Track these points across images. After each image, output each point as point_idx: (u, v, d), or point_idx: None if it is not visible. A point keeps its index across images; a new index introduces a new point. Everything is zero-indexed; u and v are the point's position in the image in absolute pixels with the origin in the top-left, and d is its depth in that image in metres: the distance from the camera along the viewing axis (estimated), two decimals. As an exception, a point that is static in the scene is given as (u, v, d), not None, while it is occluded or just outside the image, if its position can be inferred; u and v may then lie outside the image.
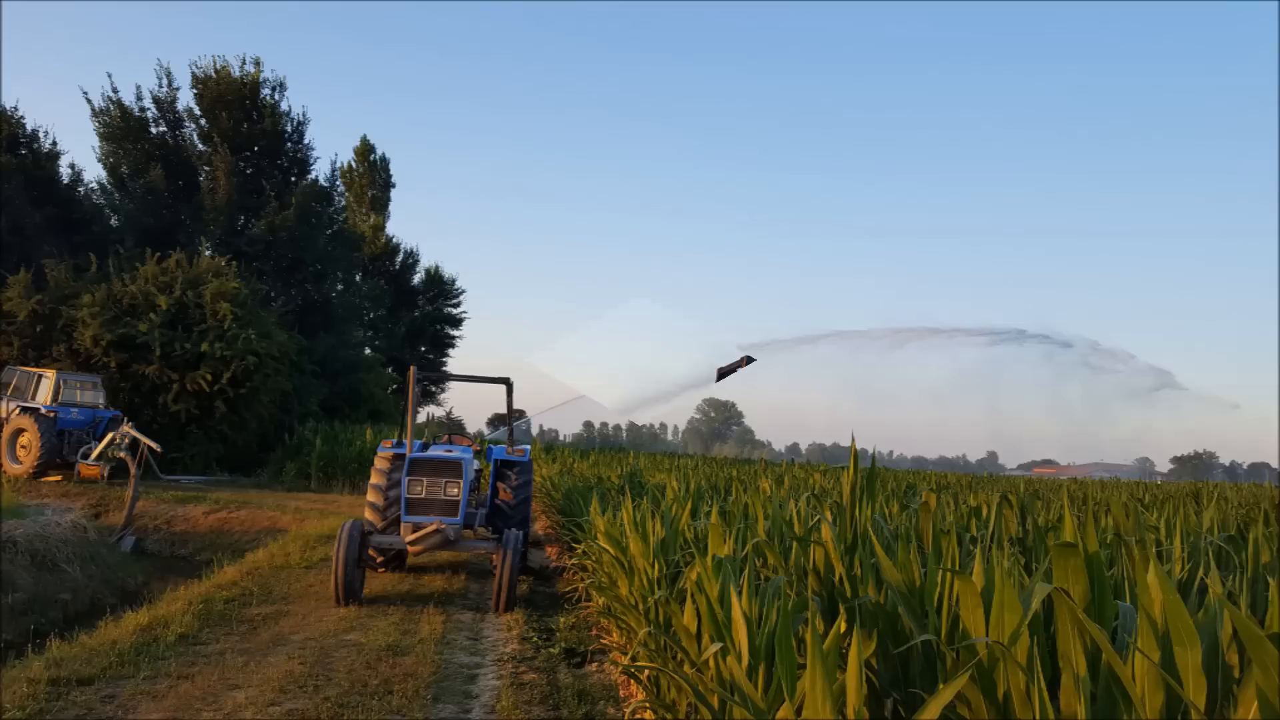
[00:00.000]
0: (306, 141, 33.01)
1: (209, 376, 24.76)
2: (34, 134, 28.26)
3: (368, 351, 39.09)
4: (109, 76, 43.76)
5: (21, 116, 27.97)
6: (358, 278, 37.01)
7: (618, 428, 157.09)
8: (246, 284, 26.06)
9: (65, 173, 28.96)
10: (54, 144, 28.90)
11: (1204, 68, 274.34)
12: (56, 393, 22.07)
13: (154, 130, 30.05)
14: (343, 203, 36.94)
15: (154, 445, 20.93)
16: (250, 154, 30.89)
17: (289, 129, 31.98)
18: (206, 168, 30.63)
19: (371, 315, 37.60)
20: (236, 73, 30.21)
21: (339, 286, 34.14)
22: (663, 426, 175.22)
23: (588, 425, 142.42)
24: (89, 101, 29.39)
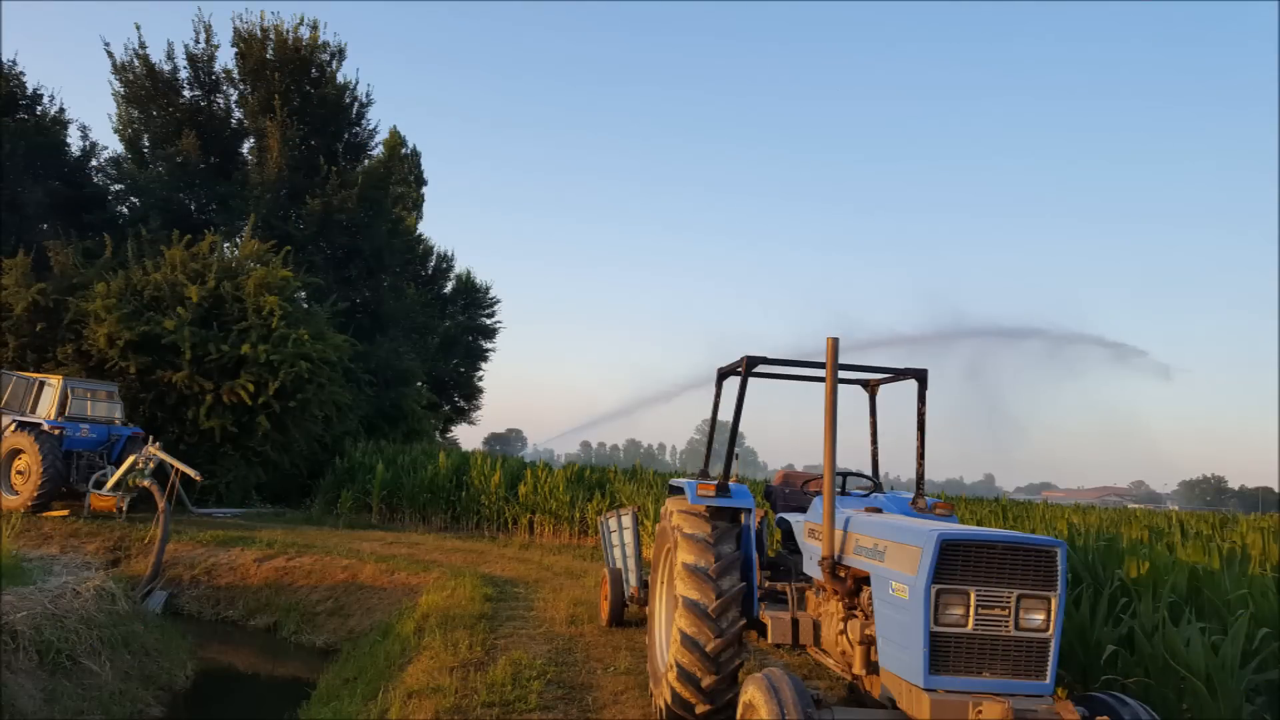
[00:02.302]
0: (369, 123, 29.11)
1: (251, 386, 20.14)
2: (36, 94, 24.03)
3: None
4: (137, 29, 38.04)
5: (21, 72, 23.85)
6: (410, 284, 32.75)
7: (615, 446, 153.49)
8: (298, 274, 21.46)
9: (76, 144, 24.96)
10: (61, 109, 24.75)
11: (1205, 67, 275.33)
12: (63, 404, 17.57)
13: (186, 94, 25.71)
14: (399, 191, 32.69)
15: (193, 473, 16.31)
16: (305, 126, 26.61)
17: (352, 104, 27.86)
18: (250, 140, 26.29)
19: (420, 321, 33.08)
20: (288, 34, 26.07)
21: (385, 284, 29.65)
22: (660, 447, 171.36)
23: (585, 445, 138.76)
24: (110, 54, 25.00)
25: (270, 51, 25.93)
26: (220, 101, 26.82)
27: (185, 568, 15.33)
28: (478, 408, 46.40)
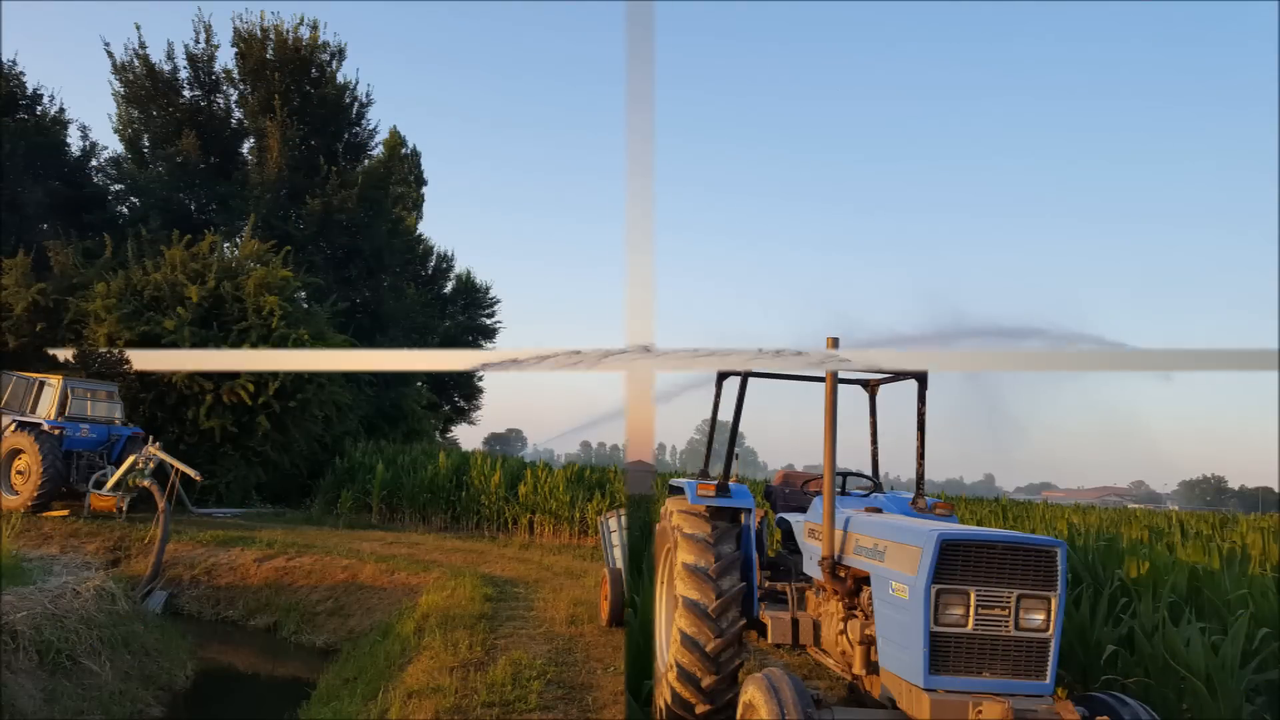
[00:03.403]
0: (369, 123, 29.16)
1: (251, 386, 20.14)
2: (36, 94, 24.02)
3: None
4: (137, 29, 39.03)
5: (21, 72, 23.83)
6: (410, 284, 32.79)
7: (615, 447, 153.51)
8: (298, 274, 21.46)
9: (76, 144, 24.94)
10: (61, 109, 24.74)
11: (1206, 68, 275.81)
12: (63, 405, 17.47)
13: (186, 94, 25.73)
14: (399, 192, 32.75)
15: (193, 473, 16.30)
16: (305, 126, 26.62)
17: (352, 104, 27.93)
18: (250, 140, 26.34)
19: (420, 321, 33.10)
20: (287, 34, 26.11)
21: (385, 284, 29.68)
22: (661, 447, 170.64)
23: (585, 445, 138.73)
24: (110, 54, 25.09)
25: (270, 51, 25.95)
26: (220, 101, 26.83)
27: (185, 568, 15.29)
28: (478, 408, 46.40)
